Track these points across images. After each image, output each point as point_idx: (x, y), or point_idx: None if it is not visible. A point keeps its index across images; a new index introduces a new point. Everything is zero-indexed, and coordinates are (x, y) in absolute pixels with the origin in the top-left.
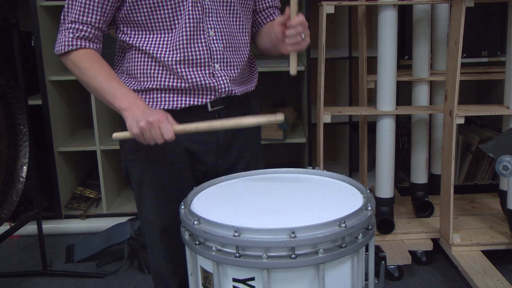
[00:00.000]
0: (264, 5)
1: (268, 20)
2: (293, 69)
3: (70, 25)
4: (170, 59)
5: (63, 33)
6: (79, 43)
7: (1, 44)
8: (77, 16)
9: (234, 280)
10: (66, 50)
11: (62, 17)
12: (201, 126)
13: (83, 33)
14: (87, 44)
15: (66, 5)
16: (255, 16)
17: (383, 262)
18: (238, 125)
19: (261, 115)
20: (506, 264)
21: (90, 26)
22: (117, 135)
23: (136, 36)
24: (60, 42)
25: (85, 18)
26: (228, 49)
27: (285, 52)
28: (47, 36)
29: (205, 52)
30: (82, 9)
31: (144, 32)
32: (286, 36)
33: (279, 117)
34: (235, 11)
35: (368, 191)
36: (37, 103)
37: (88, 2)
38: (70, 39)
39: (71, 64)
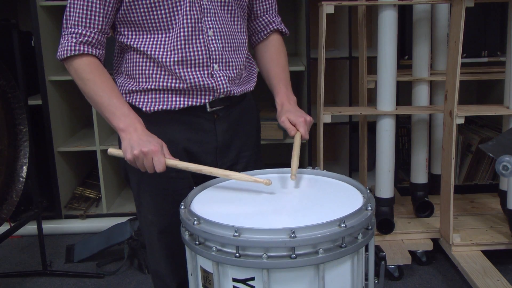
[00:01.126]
0: (261, 7)
1: (268, 29)
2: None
3: (72, 29)
4: (168, 59)
5: (66, 38)
6: (82, 48)
7: (1, 44)
8: (79, 19)
9: (234, 280)
10: (68, 55)
11: (64, 20)
12: (191, 167)
13: (86, 38)
14: (90, 50)
15: (67, 8)
16: (254, 23)
17: (383, 262)
18: (226, 177)
19: (251, 176)
20: (506, 264)
21: (92, 30)
22: (112, 151)
23: (134, 37)
24: (63, 47)
25: (87, 21)
26: (226, 49)
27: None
28: (47, 36)
29: (204, 52)
30: (84, 12)
31: (141, 33)
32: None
33: (266, 181)
34: (232, 11)
35: (368, 191)
36: (37, 103)
37: (89, 4)
38: (73, 44)
39: (74, 72)
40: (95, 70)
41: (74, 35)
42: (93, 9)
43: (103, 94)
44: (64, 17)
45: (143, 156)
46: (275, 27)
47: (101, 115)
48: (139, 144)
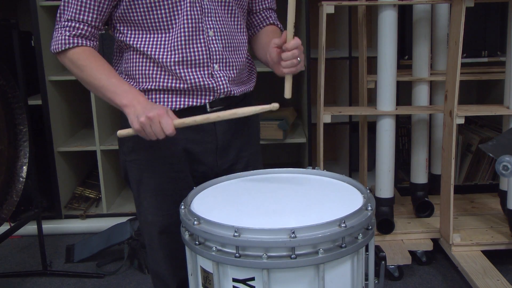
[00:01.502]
0: (260, 6)
1: (264, 24)
2: (287, 92)
3: (66, 23)
4: (168, 60)
5: (59, 31)
6: (75, 41)
7: (1, 44)
8: (73, 15)
9: (234, 280)
10: (63, 48)
11: (58, 15)
12: (199, 118)
13: (79, 31)
14: (84, 42)
15: (62, 3)
16: (251, 17)
17: (383, 262)
18: (234, 115)
19: (256, 107)
20: (506, 264)
21: (86, 24)
22: (121, 132)
23: (133, 36)
24: (57, 40)
25: (81, 17)
26: (227, 49)
27: (280, 74)
28: (47, 36)
29: (204, 52)
30: (78, 7)
31: (141, 32)
32: (282, 58)
33: (274, 105)
34: (233, 11)
35: (368, 191)
36: (37, 103)
37: (84, 0)
38: (66, 37)
39: (69, 62)
40: (90, 56)
41: (67, 28)
42: (88, 5)
43: (101, 76)
44: (58, 12)
45: (150, 122)
46: (271, 22)
47: (102, 98)
48: (144, 111)
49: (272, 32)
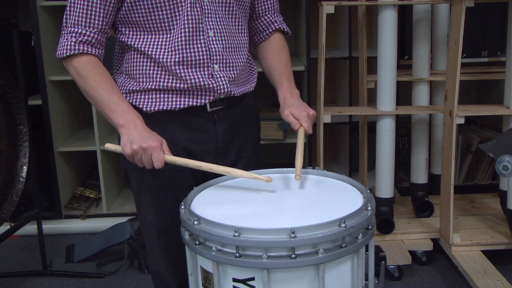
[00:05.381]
0: (263, 7)
1: (270, 29)
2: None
3: (72, 28)
4: (168, 60)
5: (65, 37)
6: (81, 47)
7: (1, 44)
8: (79, 19)
9: (234, 280)
10: (68, 54)
11: (64, 19)
12: (191, 163)
13: (85, 37)
14: (89, 50)
15: (68, 7)
16: (256, 22)
17: (383, 262)
18: (227, 174)
19: (251, 173)
20: (506, 264)
21: (92, 30)
22: (109, 146)
23: (135, 37)
24: (62, 46)
25: (88, 21)
26: (227, 50)
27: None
28: (47, 36)
29: (204, 53)
30: (84, 11)
31: (142, 33)
32: None
33: (267, 178)
34: (233, 12)
35: (368, 191)
36: (37, 103)
37: (90, 4)
38: (72, 43)
39: (73, 70)
40: (94, 68)
41: (73, 34)
42: (94, 9)
43: (103, 91)
44: (64, 16)
45: (142, 152)
46: (277, 27)
47: (100, 112)
48: (138, 139)
49: (278, 48)
